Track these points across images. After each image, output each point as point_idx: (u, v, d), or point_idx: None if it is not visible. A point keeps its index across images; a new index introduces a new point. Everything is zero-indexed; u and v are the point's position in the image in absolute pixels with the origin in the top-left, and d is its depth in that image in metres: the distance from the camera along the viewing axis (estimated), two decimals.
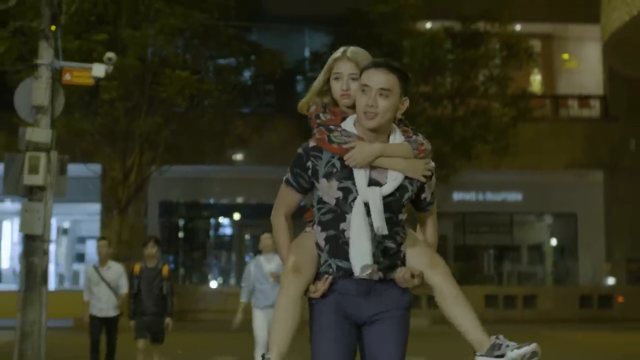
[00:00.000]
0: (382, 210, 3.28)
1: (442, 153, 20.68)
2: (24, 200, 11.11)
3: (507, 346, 3.24)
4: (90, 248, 26.06)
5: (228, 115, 22.09)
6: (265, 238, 9.66)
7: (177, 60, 20.21)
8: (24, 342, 10.92)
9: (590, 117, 27.71)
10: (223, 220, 28.56)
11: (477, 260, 28.31)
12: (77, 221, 30.19)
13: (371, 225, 3.28)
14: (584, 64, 29.51)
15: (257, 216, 25.41)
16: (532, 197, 27.23)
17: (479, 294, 23.75)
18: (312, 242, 3.43)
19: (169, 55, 20.35)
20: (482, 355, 3.27)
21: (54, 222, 18.40)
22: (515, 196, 27.64)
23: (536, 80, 29.79)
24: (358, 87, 3.38)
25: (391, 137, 3.43)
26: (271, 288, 9.33)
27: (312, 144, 3.42)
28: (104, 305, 10.25)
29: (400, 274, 3.37)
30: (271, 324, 3.38)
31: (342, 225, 3.35)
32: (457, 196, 26.71)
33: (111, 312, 10.30)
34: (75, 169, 15.03)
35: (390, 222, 3.36)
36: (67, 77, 11.41)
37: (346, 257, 3.32)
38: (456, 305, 3.31)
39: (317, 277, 3.38)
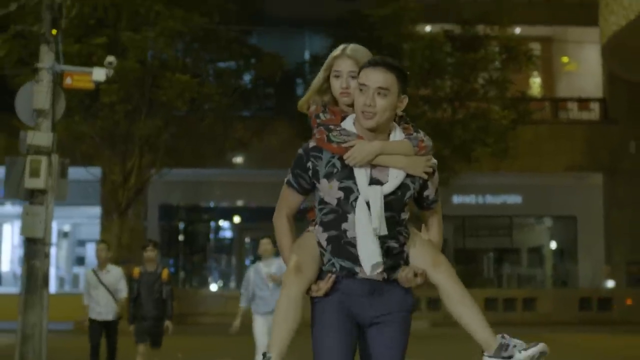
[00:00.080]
0: (381, 210, 3.24)
1: (441, 156, 20.66)
2: (25, 203, 11.14)
3: (515, 346, 3.22)
4: (91, 251, 26.08)
5: (228, 119, 22.11)
6: (265, 243, 9.52)
7: (177, 63, 20.25)
8: (25, 344, 10.94)
9: (589, 120, 27.72)
10: (223, 223, 28.58)
11: (476, 263, 28.32)
12: (77, 224, 30.23)
13: None
14: (583, 67, 29.54)
15: (257, 219, 25.49)
16: (532, 200, 27.25)
17: (479, 297, 23.75)
18: (314, 242, 3.39)
19: (169, 58, 20.36)
20: (490, 357, 3.24)
21: (54, 225, 18.33)
22: (514, 199, 27.67)
23: (536, 83, 29.82)
24: (356, 86, 3.35)
25: (391, 135, 3.40)
26: (271, 294, 9.22)
27: (312, 144, 3.39)
28: (103, 309, 10.25)
29: (402, 273, 3.35)
30: (272, 324, 3.36)
31: (344, 225, 3.32)
32: (456, 199, 26.74)
33: (110, 316, 10.29)
34: (75, 172, 15.04)
35: (393, 221, 3.32)
36: (67, 81, 11.46)
37: (349, 257, 3.30)
38: (462, 305, 3.28)
39: (320, 276, 3.36)
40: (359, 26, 21.89)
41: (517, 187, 27.36)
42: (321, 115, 3.47)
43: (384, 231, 3.25)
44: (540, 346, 3.23)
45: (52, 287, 23.49)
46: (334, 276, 3.33)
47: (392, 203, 3.32)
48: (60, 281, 29.17)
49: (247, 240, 27.89)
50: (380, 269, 3.26)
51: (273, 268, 9.34)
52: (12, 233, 30.35)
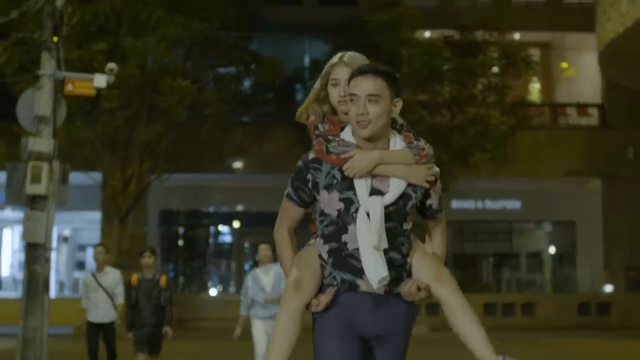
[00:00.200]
0: (381, 221, 3.18)
1: (440, 161, 20.65)
2: (26, 209, 11.19)
3: None
4: (91, 256, 26.07)
5: (228, 124, 22.18)
6: (264, 249, 9.38)
7: (178, 69, 20.30)
8: (26, 349, 10.99)
9: (588, 126, 27.80)
10: (223, 228, 28.61)
11: (476, 268, 28.34)
12: (77, 229, 30.26)
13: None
14: (582, 73, 29.62)
15: (257, 224, 25.54)
16: (531, 205, 27.29)
17: (478, 302, 23.82)
18: (315, 256, 3.33)
19: (169, 64, 20.43)
20: None
21: (54, 230, 18.30)
22: (514, 204, 27.71)
23: (535, 89, 29.92)
24: (348, 96, 3.28)
25: (391, 142, 3.33)
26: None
27: (311, 156, 3.32)
28: (102, 311, 10.25)
29: (406, 287, 3.28)
30: (271, 338, 3.32)
31: (344, 237, 3.25)
32: (455, 204, 26.78)
33: (108, 318, 10.28)
34: (76, 178, 15.09)
35: (394, 231, 3.25)
36: (69, 87, 11.50)
37: (350, 270, 3.24)
38: (464, 322, 3.23)
39: (321, 289, 3.29)
40: (359, 32, 21.96)
41: (517, 193, 27.40)
42: (320, 126, 3.43)
43: (385, 245, 3.19)
44: None
45: (53, 291, 23.52)
46: (335, 289, 3.26)
47: (394, 213, 3.26)
48: (61, 286, 29.19)
49: (246, 245, 27.91)
50: (386, 282, 3.19)
51: (271, 275, 9.32)
52: (12, 238, 30.40)
